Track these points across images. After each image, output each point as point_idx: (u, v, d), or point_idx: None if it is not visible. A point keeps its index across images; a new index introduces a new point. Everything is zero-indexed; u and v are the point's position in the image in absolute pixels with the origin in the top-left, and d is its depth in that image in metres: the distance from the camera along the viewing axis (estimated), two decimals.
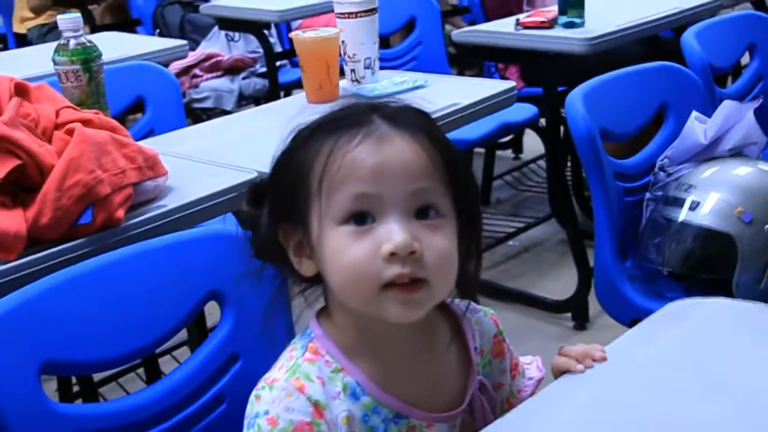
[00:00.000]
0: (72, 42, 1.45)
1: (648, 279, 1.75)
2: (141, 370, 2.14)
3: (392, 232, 0.81)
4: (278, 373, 0.86)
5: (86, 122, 1.24)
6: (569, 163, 2.97)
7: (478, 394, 0.92)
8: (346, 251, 0.82)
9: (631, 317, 1.67)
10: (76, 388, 2.03)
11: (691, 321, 1.00)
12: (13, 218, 1.15)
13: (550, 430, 0.83)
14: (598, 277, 1.76)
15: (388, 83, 1.85)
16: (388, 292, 0.82)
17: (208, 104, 3.40)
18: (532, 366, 1.02)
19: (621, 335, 0.99)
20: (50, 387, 2.02)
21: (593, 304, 2.41)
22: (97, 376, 2.13)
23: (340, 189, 0.82)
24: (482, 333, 0.95)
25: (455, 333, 0.94)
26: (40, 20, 3.95)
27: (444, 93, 1.80)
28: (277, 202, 0.88)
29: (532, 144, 3.48)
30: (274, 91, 3.27)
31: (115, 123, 1.29)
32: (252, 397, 0.86)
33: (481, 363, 0.94)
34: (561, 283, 2.59)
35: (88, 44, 1.46)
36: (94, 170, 1.17)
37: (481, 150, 3.33)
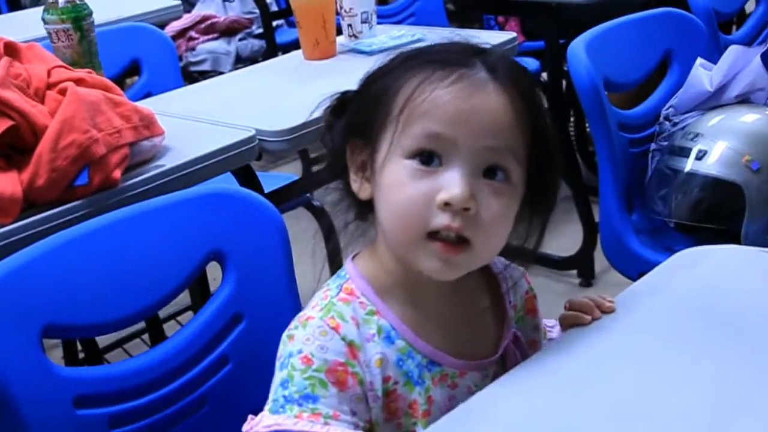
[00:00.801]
0: (62, 0, 1.42)
1: (655, 232, 1.74)
2: (146, 336, 2.14)
3: (453, 182, 0.78)
4: (312, 311, 0.85)
5: (79, 81, 1.22)
6: (572, 119, 2.95)
7: (512, 346, 0.91)
8: (403, 186, 0.80)
9: (638, 271, 1.64)
10: (81, 355, 2.04)
11: (700, 269, 0.98)
12: (8, 181, 1.14)
13: (558, 383, 0.82)
14: (604, 231, 1.74)
15: (385, 38, 1.83)
16: (431, 242, 0.80)
17: (205, 67, 3.38)
18: (555, 329, 1.01)
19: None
20: (56, 354, 2.03)
21: (599, 261, 2.40)
22: (102, 342, 2.14)
23: (418, 122, 0.80)
24: (515, 289, 0.94)
25: (491, 286, 0.93)
26: None
27: None
28: (356, 116, 0.86)
29: None
30: (272, 51, 3.24)
31: (108, 82, 1.28)
32: (284, 337, 0.84)
33: (515, 317, 0.93)
34: (566, 240, 2.57)
35: (78, 2, 1.44)
36: (88, 130, 1.15)
37: None
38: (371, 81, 0.86)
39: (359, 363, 0.82)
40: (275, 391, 0.82)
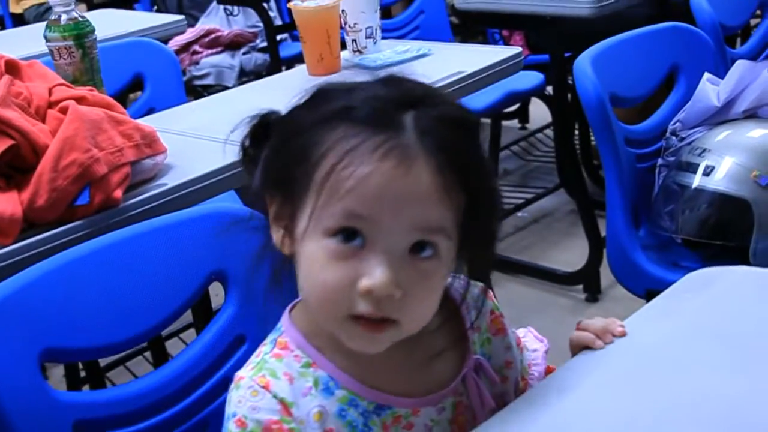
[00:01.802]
0: (64, 17, 1.42)
1: (662, 248, 1.72)
2: (148, 353, 2.12)
3: (376, 268, 0.73)
4: (245, 370, 0.82)
5: (80, 99, 1.21)
6: (577, 131, 2.93)
7: (472, 374, 0.85)
8: (322, 268, 0.75)
9: (645, 287, 1.64)
10: (83, 374, 2.02)
11: (713, 291, 0.96)
12: (8, 201, 1.13)
13: (570, 408, 0.80)
14: (611, 247, 1.72)
15: (390, 53, 1.81)
16: (353, 323, 0.75)
17: (208, 81, 3.37)
18: (528, 338, 0.97)
19: (634, 306, 0.96)
20: (58, 373, 2.01)
21: (605, 275, 2.38)
22: (103, 361, 2.12)
23: (341, 201, 0.74)
24: (477, 307, 0.87)
25: (449, 314, 0.85)
26: (36, 0, 3.91)
27: (448, 61, 1.76)
28: (275, 166, 0.80)
29: (538, 113, 3.44)
30: (276, 65, 3.23)
31: (110, 100, 1.27)
32: (227, 398, 0.81)
33: (478, 341, 0.87)
34: (572, 255, 2.56)
35: (81, 19, 1.43)
36: (89, 149, 1.14)
37: (487, 120, 3.29)
38: (294, 130, 0.79)
39: (294, 419, 0.78)
40: None
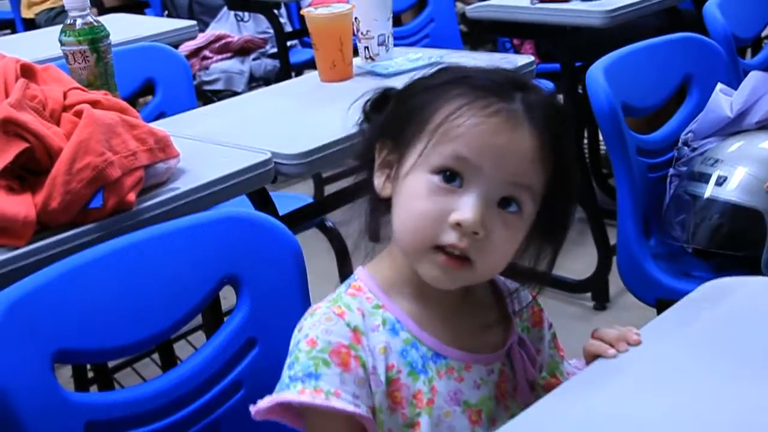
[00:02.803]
0: (79, 22, 1.42)
1: (673, 257, 1.72)
2: (156, 356, 2.12)
3: (468, 206, 0.82)
4: (321, 303, 0.90)
5: (95, 103, 1.21)
6: (586, 141, 2.93)
7: (517, 347, 0.93)
8: (422, 199, 0.84)
9: (655, 296, 1.63)
10: (90, 374, 2.02)
11: (729, 301, 0.96)
12: (22, 203, 1.13)
13: (583, 417, 0.80)
14: (622, 256, 1.72)
15: (403, 60, 1.82)
16: (436, 254, 0.84)
17: (218, 86, 3.37)
18: (575, 361, 1.02)
19: (644, 314, 0.97)
20: (65, 373, 2.01)
21: (613, 284, 2.38)
22: (111, 363, 2.12)
23: (450, 143, 0.84)
24: (521, 299, 0.97)
25: (497, 297, 0.97)
26: (48, 4, 3.92)
27: None
28: (393, 119, 0.90)
29: None
30: (286, 71, 3.24)
31: (124, 104, 1.27)
32: (295, 330, 0.88)
33: (520, 325, 0.96)
34: (580, 263, 2.55)
35: (96, 24, 1.44)
36: (103, 153, 1.15)
37: None
38: (413, 92, 0.89)
39: (363, 347, 0.86)
40: (282, 374, 0.86)
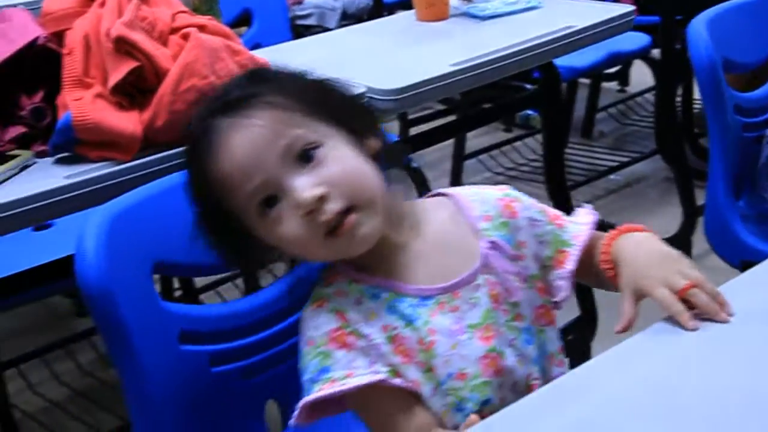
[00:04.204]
0: None
1: (762, 219, 1.69)
2: (239, 281, 2.19)
3: (294, 197, 0.85)
4: (305, 308, 0.94)
5: (201, 28, 1.25)
6: (679, 98, 2.87)
7: (490, 251, 0.93)
8: (278, 232, 0.87)
9: (740, 258, 1.61)
10: (178, 293, 2.10)
11: None
12: (130, 119, 1.17)
13: (643, 379, 0.78)
14: (709, 215, 1.70)
15: (499, 3, 1.80)
16: (332, 238, 0.86)
17: (311, 21, 3.39)
18: (580, 212, 1.00)
19: (727, 276, 0.91)
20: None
21: (696, 245, 2.35)
22: (198, 283, 2.21)
23: (234, 193, 0.88)
24: (483, 200, 0.96)
25: (457, 210, 0.96)
26: None
27: (558, 15, 1.74)
28: (208, 218, 0.93)
29: (640, 76, 3.37)
30: (378, 10, 3.24)
31: (228, 30, 1.30)
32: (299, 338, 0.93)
33: (493, 226, 0.95)
34: (663, 222, 2.53)
35: None
36: (207, 76, 1.18)
37: (586, 81, 3.24)
38: (196, 184, 0.93)
39: (351, 322, 0.89)
40: (302, 381, 0.90)
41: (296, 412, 0.89)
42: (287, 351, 1.14)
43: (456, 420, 0.90)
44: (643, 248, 0.91)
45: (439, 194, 1.00)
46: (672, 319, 0.83)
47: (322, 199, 0.85)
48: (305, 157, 0.87)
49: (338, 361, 0.87)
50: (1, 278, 1.34)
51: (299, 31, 3.38)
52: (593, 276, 0.97)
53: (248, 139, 0.87)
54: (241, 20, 2.18)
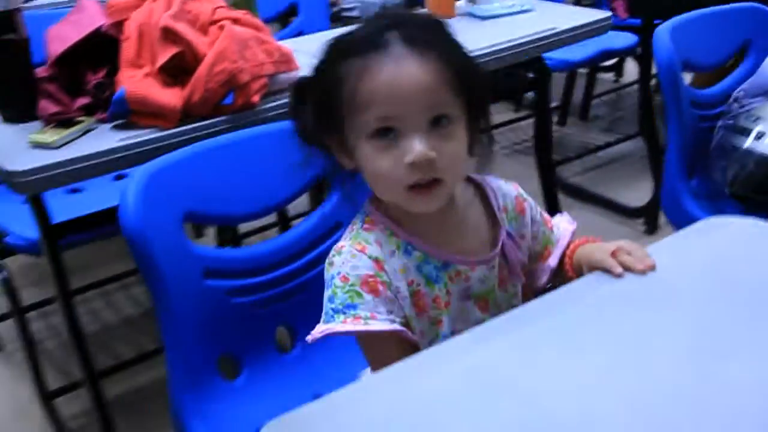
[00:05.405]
0: None
1: (711, 197, 1.66)
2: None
3: (412, 146, 0.81)
4: (344, 241, 0.90)
5: (236, 21, 1.25)
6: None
7: (507, 241, 0.94)
8: (375, 161, 0.83)
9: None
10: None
11: (717, 237, 0.93)
12: (173, 95, 1.19)
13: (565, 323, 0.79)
14: (666, 191, 1.68)
15: (498, 5, 1.78)
16: (410, 192, 0.84)
17: (354, 13, 3.36)
18: (563, 220, 1.01)
19: None
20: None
21: (664, 214, 2.32)
22: (242, 229, 2.23)
23: (365, 111, 0.82)
24: (504, 195, 0.96)
25: (479, 196, 0.95)
26: None
27: (544, 17, 1.72)
28: (316, 113, 0.87)
29: (634, 70, 3.30)
30: (410, 4, 3.19)
31: (259, 23, 1.30)
32: (327, 264, 0.89)
33: (507, 218, 0.95)
34: (639, 193, 2.49)
35: None
36: (236, 61, 1.19)
37: (584, 71, 3.19)
38: (318, 81, 0.87)
39: (386, 273, 0.86)
40: (325, 306, 0.87)
41: (319, 335, 0.86)
42: (296, 288, 1.16)
43: None
44: (594, 245, 0.95)
45: (468, 178, 0.96)
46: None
47: (429, 162, 0.81)
48: (437, 122, 0.82)
49: (367, 303, 0.85)
50: (84, 216, 1.37)
51: (346, 22, 3.36)
52: (558, 270, 0.99)
53: (414, 75, 0.80)
54: (289, 12, 2.19)
